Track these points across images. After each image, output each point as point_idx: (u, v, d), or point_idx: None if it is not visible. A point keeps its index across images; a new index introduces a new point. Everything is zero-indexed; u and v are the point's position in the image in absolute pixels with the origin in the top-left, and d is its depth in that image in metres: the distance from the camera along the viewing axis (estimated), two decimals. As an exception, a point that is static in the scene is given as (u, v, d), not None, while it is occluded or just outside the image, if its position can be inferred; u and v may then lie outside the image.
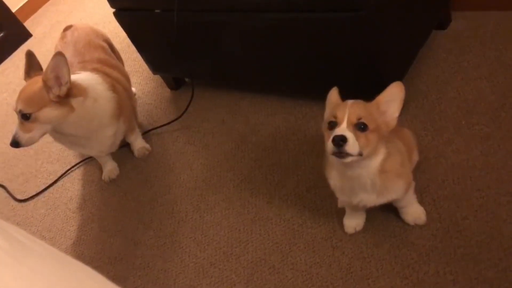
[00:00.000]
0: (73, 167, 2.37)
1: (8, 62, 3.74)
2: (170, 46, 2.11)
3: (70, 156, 2.45)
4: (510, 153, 1.53)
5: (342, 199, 1.49)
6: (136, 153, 2.24)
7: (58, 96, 1.73)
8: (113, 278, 1.73)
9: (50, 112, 1.74)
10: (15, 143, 1.76)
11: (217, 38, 1.95)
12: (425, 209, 1.49)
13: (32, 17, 4.19)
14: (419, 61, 1.91)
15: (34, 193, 2.34)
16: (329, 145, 1.18)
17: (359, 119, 1.18)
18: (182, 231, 1.84)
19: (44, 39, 3.74)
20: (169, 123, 2.30)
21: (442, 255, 1.39)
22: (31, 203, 2.30)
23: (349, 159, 1.18)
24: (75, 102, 1.78)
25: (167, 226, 1.88)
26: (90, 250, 1.94)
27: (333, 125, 1.22)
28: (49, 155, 2.52)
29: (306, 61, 1.79)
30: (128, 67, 2.64)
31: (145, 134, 2.32)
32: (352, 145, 1.16)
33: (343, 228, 1.57)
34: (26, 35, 3.89)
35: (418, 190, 1.54)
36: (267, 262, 1.61)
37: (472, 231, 1.41)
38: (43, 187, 2.34)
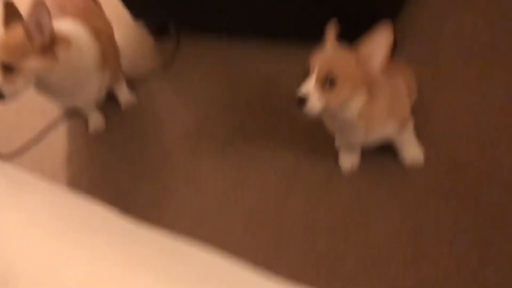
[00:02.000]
0: (58, 120, 2.30)
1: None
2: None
3: (54, 109, 2.37)
4: (509, 88, 1.51)
5: (337, 136, 1.46)
6: (122, 104, 2.17)
7: (42, 45, 1.63)
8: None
9: (33, 63, 1.64)
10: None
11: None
12: (424, 148, 1.48)
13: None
14: (414, 1, 1.85)
15: (19, 148, 2.27)
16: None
17: (329, 73, 1.14)
18: (175, 182, 1.80)
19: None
20: (154, 72, 2.22)
21: (441, 195, 1.39)
22: (16, 159, 2.24)
23: (312, 115, 1.16)
24: (59, 52, 1.69)
25: (160, 178, 1.84)
26: (81, 204, 1.91)
27: (306, 75, 1.18)
28: (32, 109, 2.43)
29: (297, 4, 1.73)
30: (108, 14, 2.53)
31: (130, 85, 2.24)
32: (313, 106, 1.14)
33: (340, 171, 1.55)
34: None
35: (416, 128, 1.52)
36: (264, 209, 1.59)
37: (471, 169, 1.41)
38: (27, 142, 2.27)
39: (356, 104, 1.21)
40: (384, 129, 1.32)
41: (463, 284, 1.24)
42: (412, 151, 1.47)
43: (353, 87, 1.17)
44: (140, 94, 2.20)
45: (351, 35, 1.80)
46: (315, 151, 1.64)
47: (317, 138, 1.65)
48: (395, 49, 1.73)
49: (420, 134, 1.52)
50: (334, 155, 1.60)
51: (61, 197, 0.62)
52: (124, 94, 2.17)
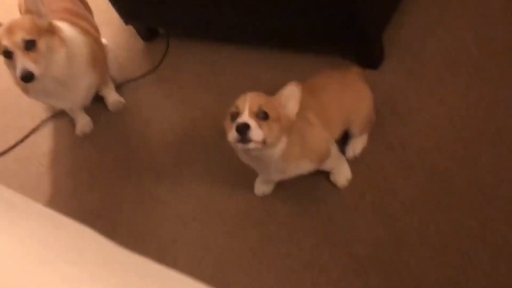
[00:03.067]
0: (44, 121, 2.29)
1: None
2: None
3: (40, 111, 2.35)
4: (492, 104, 1.54)
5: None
6: (110, 106, 2.17)
7: (48, 28, 1.72)
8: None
9: (49, 41, 1.72)
10: (28, 74, 1.63)
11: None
12: (408, 160, 1.50)
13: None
14: (401, 12, 1.88)
15: (4, 149, 2.26)
16: (232, 134, 1.23)
17: (260, 107, 1.23)
18: (161, 185, 1.80)
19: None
20: (143, 75, 2.22)
21: (425, 205, 1.41)
22: (1, 159, 2.22)
23: (252, 145, 1.21)
24: (61, 36, 1.78)
25: (146, 181, 1.84)
26: (67, 207, 1.90)
27: (235, 116, 1.26)
28: (18, 110, 2.42)
29: (284, 12, 1.74)
30: (98, 18, 2.52)
31: (119, 87, 2.24)
32: (255, 132, 1.20)
33: (324, 180, 1.57)
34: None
35: (402, 142, 1.54)
36: (250, 215, 1.60)
37: (454, 180, 1.43)
38: (14, 143, 2.26)
39: (281, 145, 1.30)
40: (299, 168, 1.41)
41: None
42: (340, 173, 1.54)
43: (281, 125, 1.27)
44: (128, 96, 2.20)
45: (340, 48, 1.84)
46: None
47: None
48: (381, 62, 1.77)
49: (406, 146, 1.55)
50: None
51: (49, 221, 0.61)
52: (112, 96, 2.17)
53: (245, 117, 1.22)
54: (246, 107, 1.23)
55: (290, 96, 1.30)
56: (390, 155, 1.55)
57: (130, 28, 2.46)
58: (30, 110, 2.38)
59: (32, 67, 1.64)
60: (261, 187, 1.63)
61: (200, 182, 1.75)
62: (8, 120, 2.40)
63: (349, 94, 1.50)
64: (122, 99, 2.18)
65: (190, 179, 1.78)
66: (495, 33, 1.70)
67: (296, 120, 1.32)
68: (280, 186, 1.61)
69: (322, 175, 1.56)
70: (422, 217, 1.39)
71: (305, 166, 1.42)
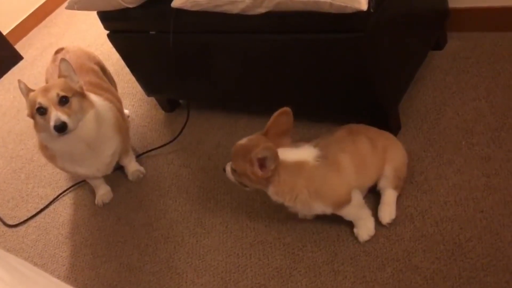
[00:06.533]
0: (65, 191, 2.32)
1: (-2, 85, 3.70)
2: (165, 68, 2.09)
3: (62, 180, 2.40)
4: (511, 173, 1.52)
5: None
6: (130, 176, 2.20)
7: (79, 89, 1.83)
8: (107, 306, 1.68)
9: (80, 100, 1.82)
10: (62, 124, 1.71)
11: (212, 59, 1.94)
12: (428, 231, 1.47)
13: (23, 40, 4.16)
14: (417, 82, 1.91)
15: (25, 218, 2.28)
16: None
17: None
18: (178, 256, 1.79)
19: (35, 61, 3.71)
20: (163, 145, 2.26)
21: (447, 279, 1.36)
22: (22, 228, 2.25)
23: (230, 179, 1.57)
24: (91, 99, 1.89)
25: (163, 251, 1.83)
26: (83, 276, 1.89)
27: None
28: (40, 179, 2.47)
29: (302, 83, 1.78)
30: (121, 89, 2.62)
31: (139, 157, 2.28)
32: (228, 173, 1.56)
33: (344, 251, 1.54)
34: (17, 57, 3.85)
35: (421, 211, 1.52)
36: (267, 287, 1.57)
37: (476, 253, 1.38)
38: (35, 212, 2.29)
39: (269, 191, 1.47)
40: (311, 208, 1.48)
41: None
42: (363, 227, 1.54)
43: (251, 180, 1.45)
44: (148, 165, 2.23)
45: (357, 118, 1.86)
46: (319, 230, 1.63)
47: (322, 218, 1.64)
48: (397, 131, 1.78)
49: (425, 217, 1.52)
50: (338, 234, 1.59)
51: None
52: (132, 166, 2.20)
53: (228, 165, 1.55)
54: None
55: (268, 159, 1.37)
56: (409, 225, 1.52)
57: (151, 99, 2.53)
58: (52, 180, 2.43)
59: (65, 118, 1.73)
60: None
61: (217, 252, 1.73)
62: (31, 189, 2.44)
63: (386, 143, 1.57)
64: (142, 169, 2.21)
65: (207, 250, 1.76)
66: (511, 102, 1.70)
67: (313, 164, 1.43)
68: (295, 259, 1.58)
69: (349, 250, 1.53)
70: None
71: (318, 208, 1.47)
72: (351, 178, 1.47)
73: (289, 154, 1.44)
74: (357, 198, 1.50)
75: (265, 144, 1.38)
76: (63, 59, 1.84)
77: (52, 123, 1.71)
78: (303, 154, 1.46)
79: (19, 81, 1.83)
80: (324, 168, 1.43)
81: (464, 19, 1.99)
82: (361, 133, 1.55)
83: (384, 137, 1.60)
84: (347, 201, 1.46)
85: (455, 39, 2.02)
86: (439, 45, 2.01)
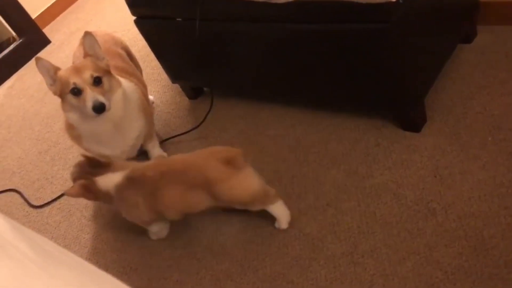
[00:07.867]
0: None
1: (26, 68, 3.75)
2: (190, 55, 2.09)
3: (86, 163, 2.43)
4: (539, 170, 1.49)
5: None
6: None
7: (107, 68, 1.85)
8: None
9: (110, 79, 1.85)
10: (100, 105, 1.74)
11: (237, 48, 1.94)
12: (451, 226, 1.46)
13: (51, 24, 4.21)
14: (444, 75, 1.88)
15: (49, 199, 2.32)
16: None
17: None
18: (198, 242, 1.80)
19: (62, 46, 3.75)
20: (187, 132, 2.28)
21: (468, 275, 1.35)
22: (46, 209, 2.29)
23: None
24: (117, 78, 1.92)
25: (183, 237, 1.85)
26: (105, 259, 1.92)
27: None
28: (65, 162, 2.51)
29: (327, 73, 1.77)
30: (146, 76, 2.63)
31: (163, 142, 2.30)
32: None
33: (364, 243, 1.53)
34: (45, 41, 3.90)
35: (444, 206, 1.50)
36: (286, 276, 1.57)
37: (500, 250, 1.37)
38: (59, 193, 2.33)
39: None
40: None
41: None
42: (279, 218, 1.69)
43: None
44: (171, 151, 2.25)
45: (382, 110, 1.84)
46: (340, 222, 1.63)
47: (342, 209, 1.64)
48: (423, 125, 1.76)
49: (448, 211, 1.51)
50: (359, 226, 1.58)
51: (86, 274, 0.62)
52: (156, 151, 2.22)
53: None
54: None
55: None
56: (431, 219, 1.51)
57: (176, 86, 2.55)
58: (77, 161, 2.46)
59: (102, 99, 1.76)
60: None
61: (237, 240, 1.74)
62: (56, 171, 2.48)
63: None
64: (165, 154, 2.23)
65: (227, 237, 1.77)
66: (541, 98, 1.67)
67: None
68: (315, 250, 1.58)
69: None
70: (464, 286, 1.33)
71: None
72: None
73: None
74: None
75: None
76: (87, 32, 1.83)
77: (90, 104, 1.73)
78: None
79: (38, 58, 1.77)
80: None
81: (495, 13, 1.95)
82: None
83: None
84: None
85: (484, 32, 1.98)
86: (468, 38, 1.97)
